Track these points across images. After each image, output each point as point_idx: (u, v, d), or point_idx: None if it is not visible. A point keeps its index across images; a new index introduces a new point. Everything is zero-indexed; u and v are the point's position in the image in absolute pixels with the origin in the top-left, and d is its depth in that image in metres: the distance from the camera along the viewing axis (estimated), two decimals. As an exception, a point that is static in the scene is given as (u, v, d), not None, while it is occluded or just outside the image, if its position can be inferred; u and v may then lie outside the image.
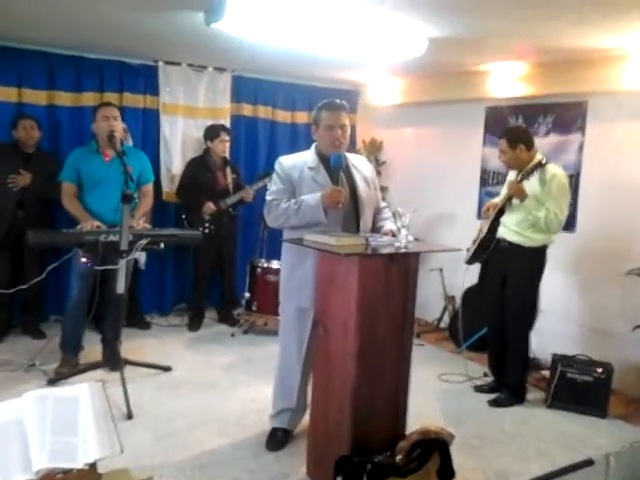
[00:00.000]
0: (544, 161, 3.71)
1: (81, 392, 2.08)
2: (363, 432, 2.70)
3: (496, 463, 3.17)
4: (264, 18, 3.32)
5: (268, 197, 3.07)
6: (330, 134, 2.99)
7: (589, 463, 3.25)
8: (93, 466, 1.96)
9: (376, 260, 2.64)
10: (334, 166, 2.96)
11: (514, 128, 4.23)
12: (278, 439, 3.21)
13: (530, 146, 3.82)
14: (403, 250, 2.70)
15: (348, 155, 3.14)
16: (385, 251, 2.70)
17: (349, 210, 3.01)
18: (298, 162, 3.06)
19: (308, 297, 2.96)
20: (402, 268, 2.73)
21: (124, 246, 3.45)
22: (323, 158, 3.05)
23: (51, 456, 1.87)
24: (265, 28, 3.49)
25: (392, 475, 2.59)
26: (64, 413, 2.00)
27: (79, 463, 1.90)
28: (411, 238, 2.81)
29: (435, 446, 2.75)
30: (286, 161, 3.07)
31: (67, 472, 1.89)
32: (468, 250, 4.25)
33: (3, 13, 3.74)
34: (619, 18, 3.23)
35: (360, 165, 3.17)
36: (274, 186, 3.06)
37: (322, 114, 3.02)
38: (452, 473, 2.80)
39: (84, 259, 3.58)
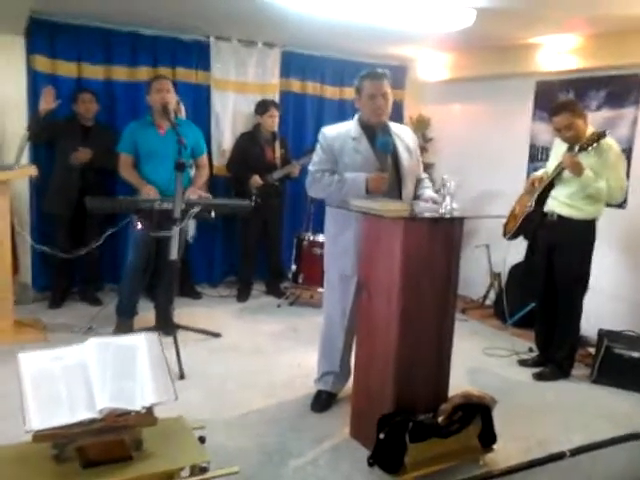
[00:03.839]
0: (607, 132, 3.63)
1: (139, 341, 2.22)
2: (405, 394, 2.77)
3: (538, 432, 3.19)
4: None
5: (311, 168, 3.15)
6: (372, 102, 3.03)
7: (635, 437, 3.25)
8: (150, 410, 2.09)
9: (420, 225, 2.69)
10: (380, 150, 3.00)
11: (571, 101, 4.08)
12: (322, 401, 3.31)
13: (586, 118, 3.78)
14: (447, 215, 2.73)
15: (391, 124, 3.18)
16: (429, 216, 2.74)
17: (392, 179, 3.05)
18: (341, 132, 3.11)
19: (350, 264, 3.05)
20: (446, 234, 2.77)
21: (177, 214, 3.58)
22: (366, 127, 3.09)
23: (112, 397, 2.00)
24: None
25: (433, 435, 2.66)
26: (124, 359, 2.13)
27: (137, 406, 2.03)
28: (455, 205, 2.84)
29: (477, 410, 2.80)
30: (329, 131, 3.14)
31: (126, 414, 2.02)
32: (505, 227, 4.23)
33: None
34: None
35: (403, 134, 3.20)
36: (316, 157, 3.13)
37: (364, 83, 3.07)
38: (494, 438, 2.85)
39: (139, 225, 3.74)
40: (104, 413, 1.96)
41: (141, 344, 2.20)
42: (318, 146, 3.14)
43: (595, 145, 3.58)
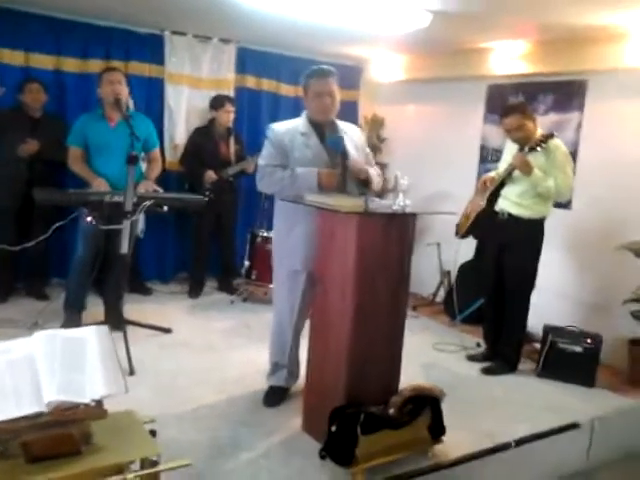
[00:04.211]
0: (555, 134, 3.77)
1: (88, 333, 2.17)
2: (358, 388, 2.80)
3: (485, 424, 3.28)
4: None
5: (261, 162, 3.16)
6: (319, 101, 3.07)
7: (575, 426, 3.39)
8: (100, 403, 2.05)
9: (374, 220, 2.73)
10: (332, 147, 3.04)
11: (521, 103, 4.21)
12: (274, 396, 3.32)
13: (535, 120, 3.89)
14: (400, 211, 2.77)
15: (339, 122, 3.22)
16: (383, 212, 2.78)
17: (339, 174, 3.07)
18: (289, 128, 3.13)
19: (300, 260, 3.08)
20: (399, 230, 2.82)
21: (129, 207, 3.53)
22: (314, 124, 3.13)
23: (60, 390, 1.96)
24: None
25: (384, 427, 2.70)
26: (72, 352, 2.09)
27: (86, 398, 1.99)
28: (408, 202, 2.89)
29: (427, 402, 2.85)
30: (277, 127, 3.16)
31: (75, 407, 1.98)
32: (458, 225, 4.34)
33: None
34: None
35: (350, 132, 3.24)
36: (265, 151, 3.14)
37: (310, 81, 3.10)
38: (443, 429, 2.91)
39: (89, 218, 3.66)
40: (51, 406, 1.92)
41: (90, 336, 2.16)
42: (267, 142, 3.15)
43: (544, 145, 3.70)
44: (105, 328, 2.23)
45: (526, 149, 3.76)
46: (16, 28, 4.68)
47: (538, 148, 3.71)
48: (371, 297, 2.76)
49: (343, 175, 3.07)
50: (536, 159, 3.77)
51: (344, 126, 3.23)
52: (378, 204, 2.87)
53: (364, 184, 3.10)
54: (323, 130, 3.12)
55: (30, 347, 2.04)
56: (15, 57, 4.72)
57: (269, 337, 3.42)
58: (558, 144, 3.85)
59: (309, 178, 2.98)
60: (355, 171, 3.07)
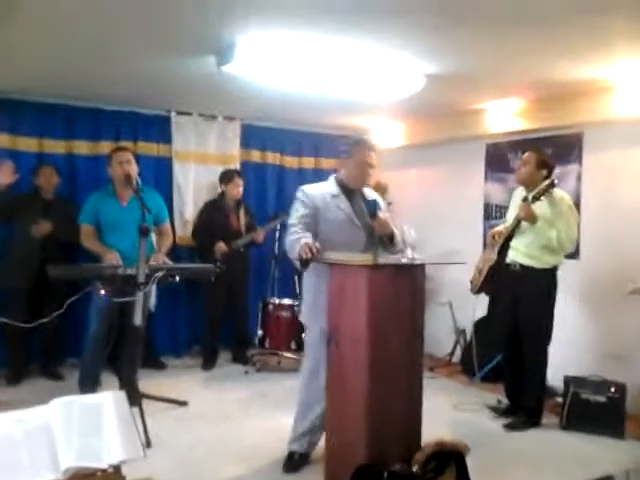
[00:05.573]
0: (556, 182, 3.85)
1: (105, 399, 2.17)
2: (379, 446, 2.75)
3: (513, 479, 3.17)
4: (270, 60, 3.58)
5: (289, 221, 3.20)
6: (363, 170, 3.22)
7: (609, 479, 3.26)
8: (118, 469, 2.02)
9: (384, 273, 2.75)
10: (370, 210, 3.16)
11: (545, 152, 4.29)
12: (294, 462, 3.24)
13: (549, 174, 3.96)
14: (409, 263, 2.81)
15: (364, 189, 3.36)
16: (391, 263, 2.82)
17: (368, 234, 3.19)
18: (320, 190, 3.25)
19: None
20: (409, 281, 2.85)
21: (141, 278, 3.57)
22: (344, 187, 3.25)
23: (78, 456, 1.94)
24: (271, 70, 3.75)
25: (409, 485, 2.62)
26: (89, 418, 2.08)
27: (104, 463, 1.97)
28: (417, 255, 2.93)
29: (451, 458, 2.78)
30: (309, 189, 3.26)
31: (93, 474, 1.95)
32: (472, 282, 4.34)
33: (28, 69, 4.03)
34: (603, 47, 3.43)
35: (372, 196, 3.36)
36: (295, 212, 3.19)
37: (358, 149, 3.23)
38: (469, 485, 2.82)
39: (102, 291, 3.70)
40: (69, 473, 1.90)
41: (107, 402, 2.16)
42: (297, 202, 3.22)
43: (547, 194, 3.77)
44: (121, 393, 2.23)
45: (530, 198, 3.83)
46: (30, 117, 4.93)
47: (542, 198, 3.78)
48: (385, 351, 2.75)
49: (371, 233, 3.18)
50: (540, 209, 3.83)
51: (367, 191, 3.36)
52: (387, 258, 2.91)
53: (389, 240, 3.17)
54: (352, 193, 3.26)
55: (47, 415, 2.04)
56: (30, 144, 4.95)
57: (297, 403, 3.32)
58: (563, 196, 3.92)
59: (297, 246, 2.95)
60: (380, 228, 3.15)
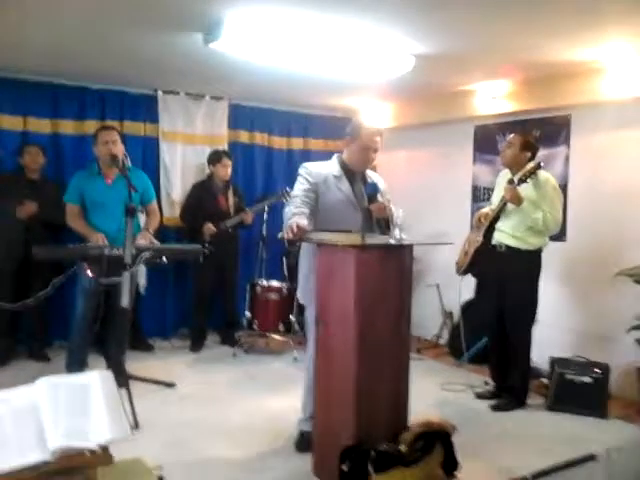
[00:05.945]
0: (542, 164, 3.86)
1: (92, 379, 2.16)
2: (366, 425, 2.75)
3: (499, 459, 3.21)
4: (259, 38, 3.53)
5: (292, 193, 3.21)
6: (366, 154, 3.21)
7: (592, 458, 3.31)
8: (106, 449, 2.02)
9: (371, 253, 2.74)
10: (369, 194, 3.18)
11: (530, 134, 4.31)
12: (307, 441, 3.20)
13: (533, 156, 3.98)
14: (397, 243, 2.80)
15: (367, 171, 3.34)
16: (379, 244, 2.81)
17: (365, 217, 3.19)
18: (323, 169, 3.24)
19: None
20: (397, 262, 2.84)
21: (128, 259, 3.53)
22: (346, 169, 3.24)
23: (65, 436, 1.93)
24: (260, 47, 3.70)
25: (397, 464, 2.64)
26: (76, 397, 2.06)
27: (92, 443, 1.96)
28: (405, 236, 2.92)
29: (438, 437, 2.80)
30: (312, 166, 3.25)
31: (80, 453, 1.94)
32: (457, 264, 4.35)
33: (12, 46, 3.95)
34: (592, 28, 3.42)
35: (374, 178, 3.36)
36: (298, 186, 3.18)
37: (362, 133, 3.20)
38: (456, 465, 2.84)
39: (89, 272, 3.67)
40: (56, 453, 1.88)
41: (94, 381, 2.14)
42: (301, 178, 3.20)
43: (532, 176, 3.78)
44: (109, 373, 2.22)
45: (516, 181, 3.84)
46: (14, 95, 4.84)
47: (527, 180, 3.79)
48: (373, 329, 2.74)
49: (370, 217, 3.18)
50: (526, 191, 3.84)
51: (370, 173, 3.35)
52: (375, 239, 2.90)
53: (386, 224, 3.15)
54: (353, 176, 3.25)
55: (33, 394, 2.02)
56: (14, 122, 4.86)
57: (305, 384, 3.31)
58: (548, 178, 3.93)
59: (288, 222, 2.96)
60: (378, 212, 3.15)
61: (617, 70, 4.16)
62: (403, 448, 2.69)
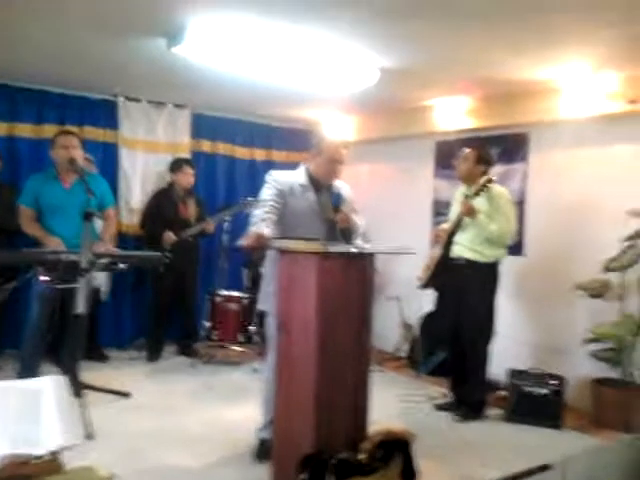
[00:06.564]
0: (494, 178, 3.94)
1: (44, 384, 2.09)
2: (326, 434, 2.73)
3: (457, 468, 3.24)
4: (222, 44, 3.53)
5: (260, 198, 3.20)
6: (333, 167, 3.21)
7: (547, 467, 3.35)
8: (55, 457, 1.95)
9: (333, 261, 2.74)
10: (334, 204, 3.17)
11: (484, 148, 4.38)
12: (267, 449, 3.15)
13: (487, 170, 4.07)
14: (358, 252, 2.81)
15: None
16: (341, 251, 2.81)
17: (329, 227, 3.18)
18: (290, 177, 3.24)
19: None
20: (359, 270, 2.84)
21: (84, 264, 3.44)
22: (313, 180, 3.24)
23: (14, 443, 1.86)
24: (223, 54, 3.70)
25: (356, 473, 2.62)
26: (27, 403, 2.00)
27: (42, 450, 1.89)
28: (367, 246, 2.94)
29: (397, 446, 2.79)
30: (278, 175, 3.25)
31: (28, 461, 1.87)
32: (420, 279, 4.39)
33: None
34: (552, 47, 3.52)
35: (340, 186, 3.36)
36: (265, 191, 3.17)
37: (329, 145, 3.22)
38: (414, 474, 2.84)
39: (44, 278, 3.56)
40: (4, 461, 1.81)
41: (46, 387, 2.08)
42: (268, 186, 3.19)
43: (485, 190, 3.88)
44: (61, 378, 2.15)
45: (470, 195, 3.94)
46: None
47: (481, 193, 3.89)
48: (334, 338, 2.73)
49: (334, 226, 3.17)
50: (480, 204, 3.93)
51: (337, 183, 3.34)
52: (337, 247, 2.90)
53: (349, 233, 3.17)
54: (319, 186, 3.25)
55: (-19, 400, 1.94)
56: (-34, 125, 4.72)
57: (263, 391, 3.27)
58: (501, 191, 4.03)
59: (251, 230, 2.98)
60: (343, 222, 3.15)
61: (574, 90, 4.28)
62: (363, 457, 2.68)
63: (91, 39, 3.66)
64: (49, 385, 2.09)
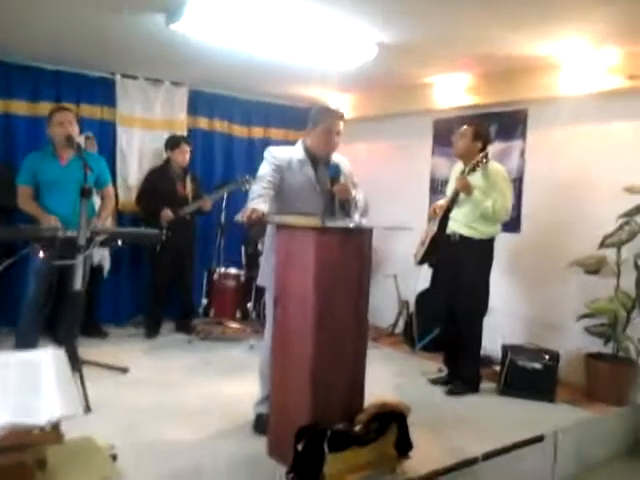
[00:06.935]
0: (489, 155, 3.94)
1: (43, 357, 2.12)
2: (322, 407, 2.77)
3: (452, 440, 3.28)
4: (221, 20, 3.50)
5: (258, 174, 3.20)
6: (329, 137, 3.21)
7: (539, 439, 3.42)
8: (56, 427, 1.97)
9: (331, 236, 2.76)
10: (331, 176, 3.17)
11: (482, 125, 4.36)
12: (264, 423, 3.19)
13: (484, 146, 4.06)
14: (357, 227, 2.83)
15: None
16: (339, 227, 2.83)
17: (328, 201, 3.19)
18: (287, 153, 3.25)
19: None
20: (356, 246, 2.86)
21: (82, 241, 3.45)
22: (310, 154, 3.24)
23: (14, 413, 1.88)
24: (221, 30, 3.66)
25: (352, 444, 2.66)
26: (27, 375, 2.03)
27: (42, 420, 1.92)
28: (364, 221, 2.95)
29: (392, 418, 2.84)
30: (276, 150, 3.26)
31: (30, 431, 1.90)
32: (415, 255, 4.41)
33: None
34: (553, 22, 3.49)
35: (339, 161, 3.36)
36: (263, 168, 3.18)
37: (324, 117, 3.22)
38: (409, 445, 2.89)
39: (42, 254, 3.57)
40: (4, 431, 1.84)
41: (46, 359, 2.10)
42: (266, 162, 3.21)
43: (481, 166, 3.88)
44: (60, 351, 2.18)
45: (466, 171, 3.94)
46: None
47: (476, 169, 3.89)
48: (332, 312, 2.76)
49: (332, 199, 3.18)
50: (476, 180, 3.94)
51: (335, 157, 3.35)
52: (335, 222, 2.92)
53: (348, 205, 3.18)
54: (317, 161, 3.25)
55: (-19, 371, 1.97)
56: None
57: (260, 366, 3.31)
58: (497, 168, 4.04)
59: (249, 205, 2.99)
60: (341, 194, 3.16)
61: (573, 66, 4.26)
62: (359, 428, 2.73)
63: (88, 14, 3.62)
64: (48, 357, 2.11)
